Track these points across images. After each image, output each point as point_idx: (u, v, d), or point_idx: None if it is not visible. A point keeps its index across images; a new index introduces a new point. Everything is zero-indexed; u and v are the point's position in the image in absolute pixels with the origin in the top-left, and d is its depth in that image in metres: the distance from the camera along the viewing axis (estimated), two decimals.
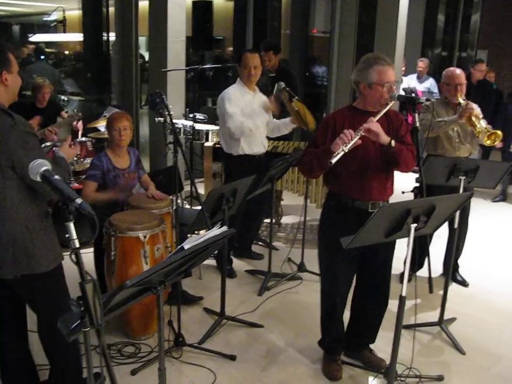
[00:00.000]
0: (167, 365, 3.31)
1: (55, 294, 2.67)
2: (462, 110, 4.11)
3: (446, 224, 3.10)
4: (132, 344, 3.63)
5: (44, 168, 1.69)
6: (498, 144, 6.71)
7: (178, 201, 4.68)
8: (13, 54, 2.55)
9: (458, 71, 4.33)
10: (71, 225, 1.63)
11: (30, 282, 2.56)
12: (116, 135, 3.92)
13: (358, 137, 2.84)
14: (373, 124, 2.90)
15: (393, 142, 2.95)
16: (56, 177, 1.68)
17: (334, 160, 2.79)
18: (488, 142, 4.19)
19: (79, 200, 1.61)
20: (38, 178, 1.70)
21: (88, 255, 3.99)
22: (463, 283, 4.74)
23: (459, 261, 4.74)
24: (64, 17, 7.83)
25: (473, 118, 4.14)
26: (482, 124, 4.15)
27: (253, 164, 4.49)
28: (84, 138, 5.58)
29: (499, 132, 4.15)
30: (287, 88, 4.38)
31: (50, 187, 1.70)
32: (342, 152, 2.79)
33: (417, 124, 3.05)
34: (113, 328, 3.78)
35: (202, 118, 6.00)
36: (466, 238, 4.65)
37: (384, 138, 2.95)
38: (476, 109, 4.22)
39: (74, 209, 1.66)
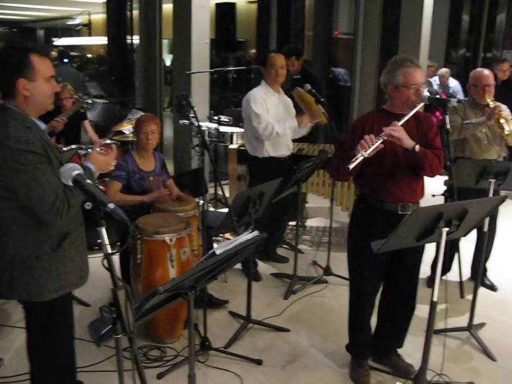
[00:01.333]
0: None
1: (52, 325, 2.44)
2: (490, 111, 4.04)
3: None
4: (158, 347, 3.62)
5: (76, 172, 1.68)
6: None
7: (201, 202, 4.70)
8: (42, 55, 2.24)
9: (486, 71, 4.26)
10: (103, 230, 1.62)
11: (28, 306, 2.44)
12: (143, 138, 3.93)
13: (379, 142, 2.79)
14: (395, 129, 2.85)
15: (417, 147, 2.90)
16: (88, 181, 1.67)
17: (351, 166, 2.75)
18: None
19: (111, 205, 1.60)
20: (70, 183, 1.69)
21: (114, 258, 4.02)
22: (492, 287, 4.65)
23: (487, 265, 4.65)
24: (89, 20, 7.89)
25: (502, 120, 4.06)
26: (511, 126, 4.07)
27: (278, 167, 4.46)
28: (108, 141, 5.59)
29: None
30: (313, 90, 4.34)
31: (82, 191, 1.69)
32: (361, 158, 2.75)
33: (448, 126, 2.99)
34: (138, 332, 3.76)
35: (227, 120, 5.99)
36: (497, 242, 4.55)
37: (408, 143, 2.90)
38: (505, 110, 4.14)
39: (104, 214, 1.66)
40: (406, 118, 2.90)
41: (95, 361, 3.36)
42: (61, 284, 2.35)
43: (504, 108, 4.11)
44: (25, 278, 2.30)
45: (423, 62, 7.96)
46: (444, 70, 8.89)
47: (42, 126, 2.32)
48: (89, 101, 5.83)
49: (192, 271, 1.81)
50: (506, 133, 4.05)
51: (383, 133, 2.81)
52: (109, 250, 1.61)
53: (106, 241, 1.61)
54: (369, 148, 2.75)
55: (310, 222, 6.12)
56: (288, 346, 3.71)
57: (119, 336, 1.60)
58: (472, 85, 4.27)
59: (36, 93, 2.22)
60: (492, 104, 4.09)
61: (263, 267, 4.93)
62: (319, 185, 5.27)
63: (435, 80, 8.77)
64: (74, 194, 2.15)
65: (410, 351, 3.56)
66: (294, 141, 5.01)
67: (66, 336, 2.51)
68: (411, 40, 7.86)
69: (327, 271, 4.73)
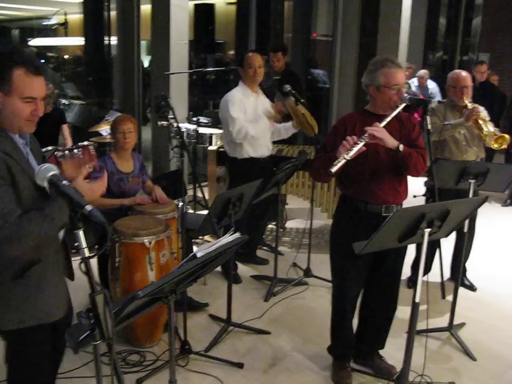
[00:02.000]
0: None
1: (17, 357, 2.25)
2: (468, 112, 4.06)
3: None
4: (137, 352, 3.56)
5: (52, 173, 1.63)
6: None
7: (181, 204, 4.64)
8: (30, 73, 2.01)
9: (464, 73, 4.28)
10: (81, 233, 1.57)
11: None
12: (120, 138, 3.87)
13: (361, 143, 2.77)
14: (376, 129, 2.83)
15: (401, 147, 2.89)
16: (65, 182, 1.61)
17: (333, 169, 2.73)
18: (496, 145, 4.13)
19: (89, 207, 1.54)
20: (45, 184, 1.63)
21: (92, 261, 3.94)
22: (471, 287, 4.67)
23: (467, 265, 4.68)
24: (65, 19, 7.78)
25: (480, 121, 4.08)
26: (490, 127, 4.09)
27: (258, 167, 4.43)
28: (86, 142, 5.50)
29: (506, 136, 4.09)
30: (293, 91, 4.32)
31: (58, 193, 1.64)
32: (344, 161, 2.73)
33: (429, 127, 2.99)
34: (117, 336, 3.70)
35: (206, 121, 5.94)
36: (476, 242, 4.58)
37: (391, 143, 2.88)
38: (483, 111, 4.17)
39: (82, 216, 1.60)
40: (389, 118, 2.89)
41: (72, 367, 3.28)
42: (20, 316, 2.11)
43: (481, 109, 4.14)
44: None
45: (402, 64, 7.97)
46: (423, 72, 8.94)
47: (20, 140, 2.11)
48: (66, 102, 5.72)
49: (172, 274, 1.76)
50: (484, 133, 4.07)
51: (366, 134, 2.79)
52: (87, 254, 1.56)
53: (84, 244, 1.56)
54: (352, 150, 2.73)
55: (290, 224, 6.10)
56: (269, 349, 3.68)
57: (97, 342, 1.55)
58: (450, 86, 4.28)
59: (7, 109, 2.01)
60: (470, 105, 4.11)
61: (243, 269, 4.89)
62: (298, 186, 5.25)
63: (413, 82, 8.83)
64: (34, 224, 1.90)
65: (393, 352, 3.56)
66: (273, 142, 5.00)
67: (35, 370, 2.26)
68: (389, 42, 7.92)
69: (308, 273, 4.71)
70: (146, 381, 3.25)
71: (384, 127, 2.90)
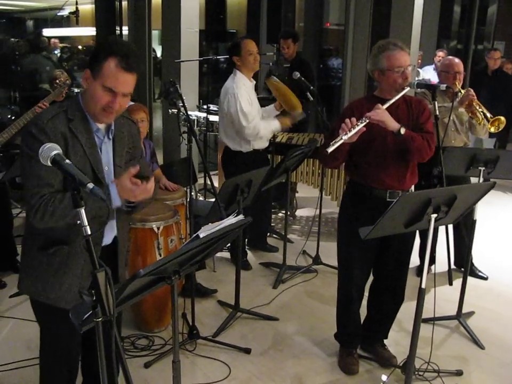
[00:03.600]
0: (181, 358, 3.28)
1: (44, 330, 2.36)
2: (463, 96, 4.02)
3: None
4: (146, 336, 3.59)
5: (55, 152, 1.64)
6: None
7: (192, 193, 4.65)
8: (121, 68, 2.04)
9: (456, 59, 4.25)
10: (83, 211, 1.58)
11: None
12: None
13: (361, 125, 2.76)
14: (377, 112, 2.82)
15: (402, 130, 2.87)
16: (67, 161, 1.63)
17: (330, 149, 2.72)
18: (492, 129, 4.10)
19: (90, 185, 1.56)
20: (49, 163, 1.65)
21: None
22: (483, 277, 4.66)
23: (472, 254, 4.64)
24: (76, 8, 7.81)
25: (475, 105, 4.05)
26: (484, 110, 4.05)
27: (259, 158, 4.43)
28: None
29: (502, 118, 4.06)
30: (302, 78, 4.31)
31: (61, 172, 1.65)
32: (341, 141, 2.73)
33: (437, 112, 2.98)
34: (126, 321, 3.74)
35: (216, 109, 5.94)
36: (485, 231, 4.56)
37: (392, 125, 2.87)
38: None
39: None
40: (391, 101, 2.88)
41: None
42: (37, 289, 2.18)
43: (473, 93, 4.09)
44: (20, 268, 2.31)
45: (414, 53, 7.93)
46: (440, 52, 8.71)
47: (94, 126, 2.16)
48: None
49: (174, 254, 1.77)
50: (480, 117, 4.03)
51: (365, 116, 2.78)
52: (88, 232, 1.57)
53: (85, 222, 1.57)
54: (350, 131, 2.72)
55: (300, 212, 6.10)
56: (277, 335, 3.70)
57: (99, 319, 1.57)
58: (443, 72, 4.24)
59: (89, 91, 2.08)
60: (462, 91, 4.06)
61: (252, 256, 4.91)
62: (308, 174, 5.25)
63: (428, 70, 8.68)
64: (62, 205, 1.95)
65: (399, 339, 3.58)
66: (283, 130, 5.00)
67: (60, 347, 2.33)
68: (402, 30, 7.84)
69: (317, 260, 4.72)
70: (154, 365, 3.28)
71: (391, 110, 2.89)
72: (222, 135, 4.53)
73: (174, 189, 3.93)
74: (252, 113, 4.24)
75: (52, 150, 1.66)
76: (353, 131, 2.73)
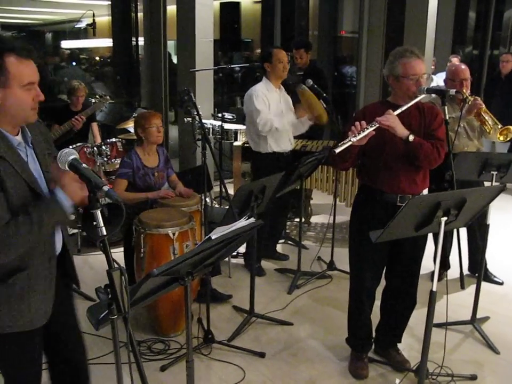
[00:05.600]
0: (196, 361, 3.33)
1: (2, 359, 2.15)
2: (470, 105, 4.04)
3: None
4: (162, 341, 3.65)
5: (72, 156, 1.71)
6: None
7: (208, 200, 4.71)
8: (23, 58, 1.87)
9: (463, 66, 4.26)
10: (98, 213, 1.64)
11: None
12: (153, 132, 3.96)
13: (371, 129, 2.80)
14: (387, 117, 2.86)
15: (411, 137, 2.90)
16: (84, 165, 1.70)
17: (338, 150, 2.76)
18: (501, 138, 4.11)
19: (106, 188, 1.62)
20: (66, 167, 1.71)
21: (119, 255, 4.06)
22: (498, 282, 4.64)
23: (487, 259, 4.63)
24: (93, 20, 7.97)
25: (483, 114, 4.06)
26: (493, 119, 4.07)
27: (281, 162, 4.49)
28: (114, 139, 5.65)
29: (511, 127, 4.06)
30: (315, 86, 4.37)
31: (78, 175, 1.72)
32: (349, 143, 2.76)
33: (447, 117, 3.01)
34: (143, 325, 3.82)
35: (231, 117, 6.02)
36: (498, 236, 4.55)
37: (401, 132, 2.90)
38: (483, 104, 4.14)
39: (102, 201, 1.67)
40: (404, 108, 2.91)
41: (101, 354, 3.41)
42: (3, 322, 2.00)
43: (481, 102, 4.11)
44: None
45: (428, 59, 7.95)
46: (454, 58, 8.71)
47: (15, 140, 1.97)
48: (95, 101, 5.87)
49: (187, 255, 1.83)
50: (489, 126, 4.05)
51: (376, 120, 2.82)
52: (104, 233, 1.63)
53: (101, 223, 1.64)
54: (359, 134, 2.76)
55: (314, 219, 6.13)
56: (291, 340, 3.73)
57: (114, 317, 1.62)
58: (449, 79, 4.25)
59: (9, 102, 1.87)
60: (470, 98, 4.08)
61: (267, 263, 4.94)
62: (323, 181, 5.29)
63: (442, 76, 8.67)
64: (22, 231, 1.83)
65: (413, 344, 3.59)
66: (298, 137, 5.05)
67: (17, 373, 2.18)
68: (416, 37, 7.86)
69: (331, 266, 4.75)
70: (170, 368, 3.34)
71: (403, 116, 2.92)
72: (247, 136, 4.77)
73: (188, 195, 3.99)
74: (264, 111, 4.41)
75: (69, 154, 1.73)
76: (362, 134, 2.77)
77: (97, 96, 5.55)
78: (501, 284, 4.62)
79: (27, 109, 1.93)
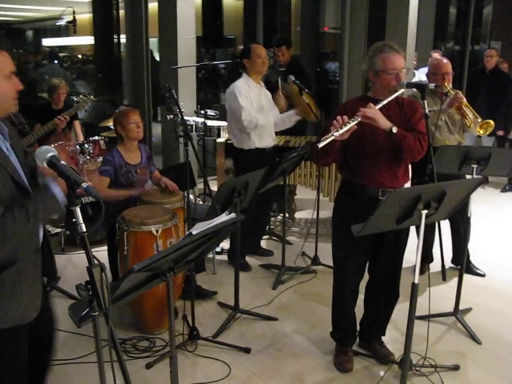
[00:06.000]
0: (181, 358, 3.37)
1: None
2: (452, 99, 4.07)
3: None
4: (147, 338, 3.64)
5: (51, 153, 1.71)
6: (499, 132, 6.71)
7: (191, 197, 4.71)
8: (1, 48, 1.92)
9: (445, 60, 4.29)
10: (78, 209, 1.64)
11: None
12: (133, 128, 3.96)
13: (353, 123, 2.81)
14: (369, 110, 2.87)
15: (394, 128, 2.92)
16: (63, 162, 1.69)
17: (321, 145, 2.76)
18: (481, 131, 4.15)
19: (85, 184, 1.62)
20: (45, 164, 1.71)
21: (104, 253, 4.05)
22: (480, 274, 4.69)
23: (470, 251, 4.69)
24: (74, 17, 7.91)
25: (464, 108, 4.10)
26: (473, 113, 4.11)
27: (263, 158, 4.49)
28: (96, 137, 5.62)
29: (491, 122, 4.12)
30: (297, 81, 4.39)
31: (57, 172, 1.71)
32: (332, 137, 2.77)
33: (427, 111, 3.03)
34: (128, 324, 3.81)
35: (214, 114, 6.01)
36: (479, 229, 4.60)
37: (384, 124, 2.92)
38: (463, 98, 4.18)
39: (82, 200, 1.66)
40: (384, 102, 2.93)
41: (85, 353, 3.39)
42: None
43: (462, 95, 4.15)
44: None
45: (410, 54, 8.00)
46: (435, 53, 8.77)
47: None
48: (77, 99, 5.84)
49: (168, 250, 1.84)
50: (469, 120, 4.09)
51: (358, 114, 2.84)
52: (84, 229, 1.63)
53: (81, 220, 1.64)
54: (341, 128, 2.78)
55: (299, 214, 6.16)
56: (276, 335, 3.75)
57: (95, 313, 1.63)
58: (431, 73, 4.29)
59: None
60: (451, 92, 4.12)
61: (251, 259, 4.96)
62: (306, 176, 5.31)
63: (424, 71, 8.73)
64: (18, 223, 1.83)
65: (397, 337, 3.62)
66: (281, 133, 5.06)
67: (8, 371, 2.15)
68: (398, 33, 7.90)
69: (315, 261, 4.78)
70: (155, 366, 3.33)
71: (383, 111, 2.94)
72: (229, 133, 4.75)
73: (174, 189, 4.00)
74: (248, 108, 4.40)
75: (48, 152, 1.72)
76: (345, 128, 2.78)
77: (81, 95, 5.52)
78: (483, 275, 4.68)
79: (10, 99, 1.96)
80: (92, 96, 5.48)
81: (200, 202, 5.73)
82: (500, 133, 7.17)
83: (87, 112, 7.63)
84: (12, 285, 1.99)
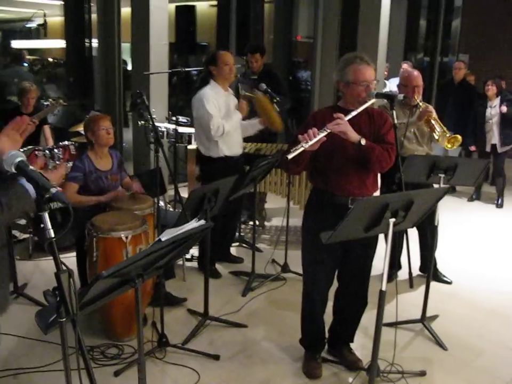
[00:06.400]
0: (151, 365, 3.36)
1: None
2: (421, 112, 4.16)
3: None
4: (115, 346, 3.61)
5: (19, 159, 1.69)
6: (471, 148, 6.90)
7: (162, 204, 4.69)
8: None
9: (415, 72, 4.38)
10: (46, 215, 1.63)
11: None
12: (103, 134, 3.93)
13: (322, 135, 2.84)
14: (339, 122, 2.89)
15: (363, 141, 2.96)
16: (31, 167, 1.68)
17: (290, 156, 2.78)
18: (449, 145, 4.25)
19: (53, 190, 1.61)
20: (13, 169, 1.69)
21: (73, 259, 4.00)
22: (447, 281, 4.77)
23: (437, 259, 4.77)
24: (45, 20, 7.83)
25: (433, 121, 4.18)
26: (442, 127, 4.20)
27: (232, 166, 4.49)
28: (66, 142, 5.56)
29: (459, 137, 4.23)
30: (268, 90, 4.42)
31: (25, 178, 1.70)
32: (301, 149, 2.79)
33: (396, 121, 3.08)
34: (96, 331, 3.77)
35: (185, 121, 6.00)
36: (446, 237, 4.69)
37: (353, 136, 2.95)
38: (433, 111, 4.27)
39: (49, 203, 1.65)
40: (354, 113, 2.97)
41: (52, 361, 3.34)
42: None
43: (431, 109, 4.23)
44: None
45: (381, 65, 8.13)
46: (405, 64, 8.91)
47: None
48: (48, 103, 5.77)
49: (136, 256, 1.83)
50: (437, 133, 4.18)
51: (327, 126, 2.87)
52: (52, 235, 1.62)
53: (49, 225, 1.62)
54: (311, 140, 2.80)
55: (269, 222, 6.18)
56: (245, 342, 3.75)
57: (63, 320, 1.61)
58: (402, 85, 4.37)
59: None
60: (421, 104, 4.20)
61: (221, 265, 4.95)
62: (276, 184, 5.33)
63: (394, 82, 8.87)
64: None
65: (366, 343, 3.66)
66: (253, 140, 5.08)
67: None
68: (369, 43, 8.03)
69: (285, 268, 4.80)
70: (124, 373, 3.30)
71: (353, 121, 2.98)
72: (197, 141, 4.70)
73: (139, 191, 4.00)
74: (216, 116, 4.36)
75: (16, 156, 1.71)
76: (314, 140, 2.81)
77: (50, 99, 5.46)
78: (450, 283, 4.76)
79: None
80: (62, 100, 5.41)
81: (171, 209, 5.71)
82: (472, 148, 7.35)
83: (58, 116, 7.54)
84: None
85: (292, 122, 4.65)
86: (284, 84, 5.86)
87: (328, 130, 2.85)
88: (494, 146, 7.18)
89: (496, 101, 7.09)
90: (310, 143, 2.79)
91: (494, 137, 7.13)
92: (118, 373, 3.30)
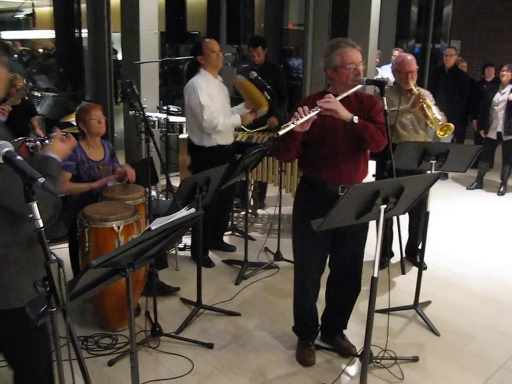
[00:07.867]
0: (144, 354, 3.37)
1: (33, 337, 2.18)
2: (414, 99, 4.15)
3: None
4: (109, 335, 3.62)
5: (6, 149, 1.68)
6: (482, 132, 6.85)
7: (154, 193, 4.68)
8: None
9: (409, 57, 4.36)
10: (35, 205, 1.62)
11: (2, 318, 2.12)
12: (94, 124, 3.91)
13: (313, 113, 2.82)
14: (329, 100, 2.89)
15: (355, 118, 2.93)
16: (19, 157, 1.67)
17: (281, 132, 2.76)
18: (441, 133, 4.24)
19: (41, 180, 1.60)
20: (0, 160, 1.68)
21: (65, 250, 3.99)
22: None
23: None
24: (33, 10, 7.76)
25: (426, 108, 4.17)
26: (436, 113, 4.18)
27: (223, 154, 4.47)
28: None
29: (451, 125, 4.20)
30: (259, 78, 4.40)
31: (13, 168, 1.69)
32: (292, 126, 2.76)
33: (386, 107, 3.08)
34: (90, 321, 3.78)
35: (176, 110, 5.98)
36: (442, 224, 4.69)
37: (345, 114, 2.93)
38: (428, 95, 4.25)
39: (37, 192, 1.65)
40: (344, 95, 2.96)
41: None
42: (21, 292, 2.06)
43: (427, 94, 4.22)
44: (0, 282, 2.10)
45: (373, 52, 8.12)
46: (396, 51, 8.88)
47: None
48: (39, 94, 5.73)
49: (126, 245, 1.83)
50: (430, 120, 4.17)
51: (318, 105, 2.85)
52: (41, 225, 1.62)
53: (38, 215, 1.62)
54: (302, 118, 2.79)
55: (261, 210, 6.19)
56: (239, 330, 3.77)
57: (53, 309, 1.61)
58: (396, 71, 4.36)
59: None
60: (415, 89, 4.19)
61: (215, 254, 4.96)
62: (268, 172, 5.33)
63: (386, 69, 8.86)
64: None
65: (359, 330, 3.66)
66: (243, 129, 5.07)
67: (43, 348, 2.21)
68: (360, 30, 8.01)
69: (278, 256, 4.81)
70: (118, 362, 3.32)
71: (343, 105, 2.96)
72: (188, 130, 4.68)
73: (131, 176, 3.98)
74: (210, 107, 4.34)
75: (3, 147, 1.70)
76: (305, 118, 2.78)
77: (20, 83, 5.37)
78: (425, 268, 4.66)
79: None
80: (31, 84, 5.30)
81: (163, 199, 5.70)
82: (482, 133, 7.29)
83: (48, 107, 7.50)
84: (37, 259, 2.07)
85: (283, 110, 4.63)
86: (285, 84, 5.80)
87: (320, 109, 2.83)
88: (500, 134, 7.12)
89: (508, 88, 7.00)
90: (301, 120, 2.77)
91: (499, 124, 7.07)
92: (111, 362, 3.31)
